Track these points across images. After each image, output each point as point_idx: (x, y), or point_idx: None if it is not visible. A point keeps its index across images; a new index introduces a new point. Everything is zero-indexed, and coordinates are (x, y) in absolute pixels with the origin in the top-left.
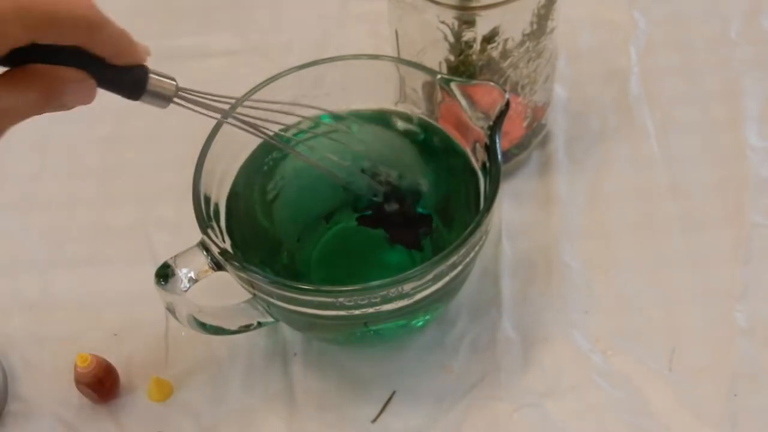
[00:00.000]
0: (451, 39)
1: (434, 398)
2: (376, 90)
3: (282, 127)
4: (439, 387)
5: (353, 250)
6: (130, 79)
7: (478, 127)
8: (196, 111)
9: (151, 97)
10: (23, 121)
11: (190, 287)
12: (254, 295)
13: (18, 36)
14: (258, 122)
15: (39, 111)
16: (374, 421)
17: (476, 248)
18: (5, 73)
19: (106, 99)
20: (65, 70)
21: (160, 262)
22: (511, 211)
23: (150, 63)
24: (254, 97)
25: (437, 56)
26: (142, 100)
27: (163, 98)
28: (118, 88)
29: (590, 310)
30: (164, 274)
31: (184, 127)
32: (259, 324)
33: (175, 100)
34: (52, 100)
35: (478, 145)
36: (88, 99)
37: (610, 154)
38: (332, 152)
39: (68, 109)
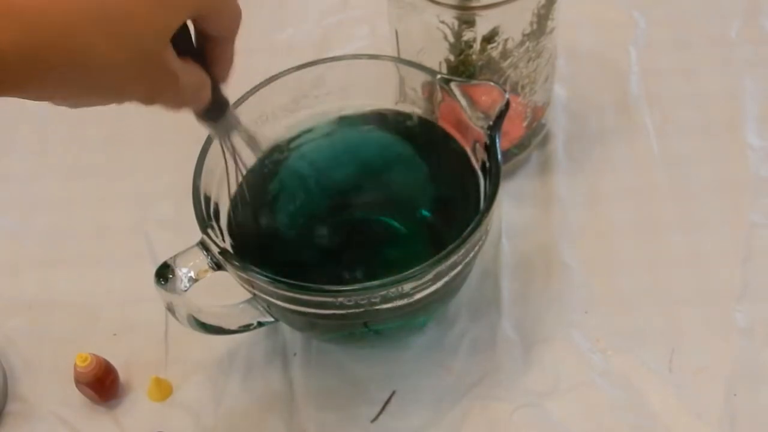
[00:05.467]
0: (451, 39)
1: (434, 398)
2: (375, 90)
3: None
4: (439, 387)
5: (353, 250)
6: (220, 100)
7: (478, 126)
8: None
9: (219, 123)
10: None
11: (189, 287)
12: (254, 295)
13: (192, 9)
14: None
15: (183, 101)
16: (374, 421)
17: (476, 248)
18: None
19: None
20: (204, 73)
21: (160, 262)
22: (511, 211)
23: None
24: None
25: (437, 56)
26: (210, 123)
27: (224, 127)
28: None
29: (590, 310)
30: (164, 274)
31: (183, 127)
32: (259, 324)
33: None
34: (195, 95)
35: (478, 145)
36: (200, 105)
37: (610, 154)
38: (331, 153)
39: (177, 109)
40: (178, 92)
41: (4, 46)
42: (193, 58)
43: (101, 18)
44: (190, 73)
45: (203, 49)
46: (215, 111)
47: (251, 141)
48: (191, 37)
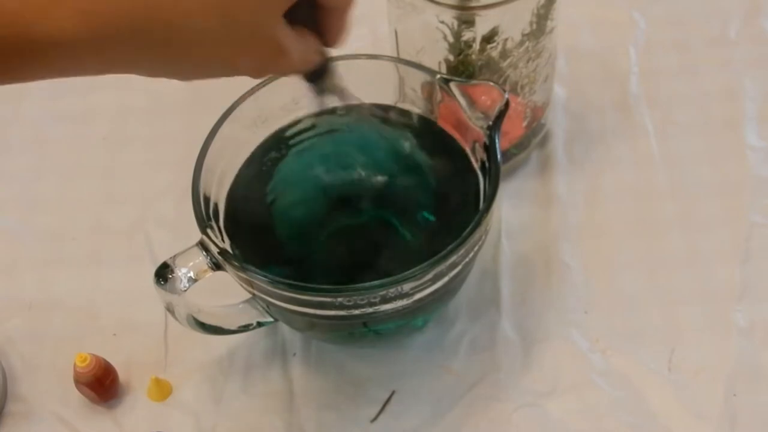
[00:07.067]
0: (451, 39)
1: (434, 398)
2: (375, 90)
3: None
4: (439, 387)
5: (353, 250)
6: (325, 63)
7: (478, 126)
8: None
9: (320, 85)
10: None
11: (189, 287)
12: (253, 295)
13: None
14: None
15: (292, 68)
16: (374, 421)
17: (476, 248)
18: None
19: (105, 99)
20: (313, 39)
21: (160, 262)
22: (510, 211)
23: None
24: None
25: (437, 56)
26: (313, 84)
27: (324, 87)
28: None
29: (590, 310)
30: (163, 274)
31: (183, 126)
32: (259, 324)
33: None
34: (303, 61)
35: (477, 144)
36: (307, 69)
37: (610, 154)
38: (330, 152)
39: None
40: (287, 62)
41: (116, 16)
42: (305, 23)
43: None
44: (300, 41)
45: (316, 15)
46: (319, 73)
47: (342, 97)
48: (305, 3)
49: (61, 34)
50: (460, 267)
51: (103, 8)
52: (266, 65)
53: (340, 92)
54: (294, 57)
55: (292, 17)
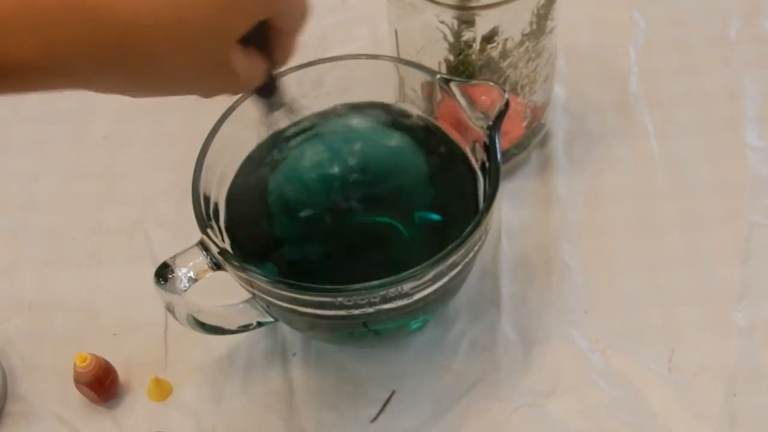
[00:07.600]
0: (451, 39)
1: (434, 398)
2: (375, 90)
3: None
4: (439, 387)
5: (352, 249)
6: (273, 81)
7: (478, 126)
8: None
9: (271, 101)
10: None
11: (189, 287)
12: (254, 294)
13: (262, 15)
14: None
15: (240, 89)
16: (374, 421)
17: (476, 248)
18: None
19: (105, 99)
20: (260, 58)
21: (160, 262)
22: (510, 211)
23: None
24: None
25: (437, 56)
26: (263, 100)
27: (272, 104)
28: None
29: (590, 310)
30: (163, 274)
31: (183, 126)
32: (259, 324)
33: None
34: (251, 81)
35: (477, 144)
36: (253, 87)
37: (610, 154)
38: (329, 152)
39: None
40: (236, 84)
41: (76, 42)
42: (254, 43)
43: (170, 21)
44: (248, 61)
45: (266, 35)
46: (267, 91)
47: (290, 113)
48: (258, 25)
49: (23, 59)
50: (460, 267)
51: (62, 36)
52: (217, 88)
53: (289, 108)
54: (242, 77)
55: (243, 37)
